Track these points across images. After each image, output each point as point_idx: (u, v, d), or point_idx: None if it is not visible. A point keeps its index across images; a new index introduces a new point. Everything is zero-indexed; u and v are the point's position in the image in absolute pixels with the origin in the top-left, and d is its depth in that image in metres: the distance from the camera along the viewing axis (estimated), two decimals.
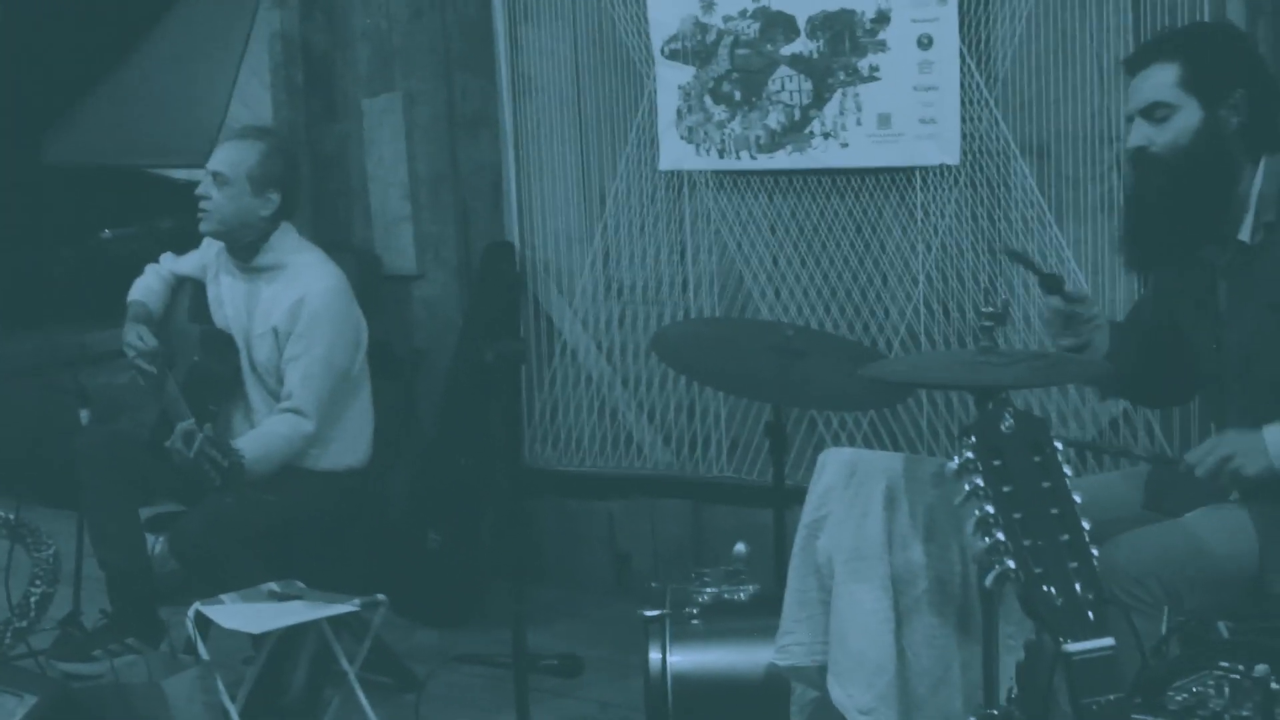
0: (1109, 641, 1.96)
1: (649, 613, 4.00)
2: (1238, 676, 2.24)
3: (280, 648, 4.65)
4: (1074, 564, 1.96)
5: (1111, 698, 1.91)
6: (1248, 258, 3.53)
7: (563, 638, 5.24)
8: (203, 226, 4.81)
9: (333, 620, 4.53)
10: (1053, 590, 1.95)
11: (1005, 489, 1.97)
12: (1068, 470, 2.02)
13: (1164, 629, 2.86)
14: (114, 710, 4.10)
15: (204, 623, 4.38)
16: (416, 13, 5.79)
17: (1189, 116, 3.48)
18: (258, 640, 4.47)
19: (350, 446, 4.87)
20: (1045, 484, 1.99)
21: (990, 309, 3.32)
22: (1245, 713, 2.23)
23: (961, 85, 4.83)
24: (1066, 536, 1.97)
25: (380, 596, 4.42)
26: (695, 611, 3.98)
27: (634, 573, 5.68)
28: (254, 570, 4.52)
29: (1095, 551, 1.97)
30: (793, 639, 3.62)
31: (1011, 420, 2.01)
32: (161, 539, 5.16)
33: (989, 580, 1.98)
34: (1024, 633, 3.45)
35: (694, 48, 5.22)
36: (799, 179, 5.15)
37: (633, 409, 5.56)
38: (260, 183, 4.79)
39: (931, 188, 4.95)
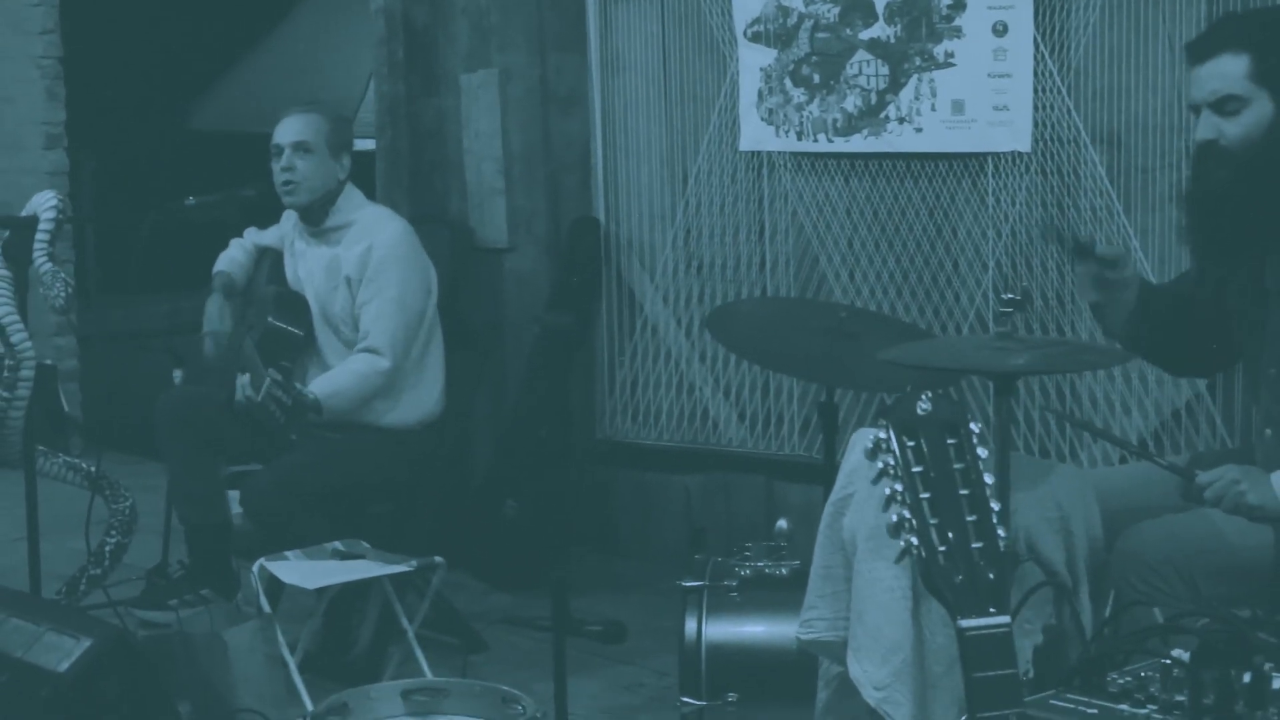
0: (1005, 620, 2.01)
1: (688, 583, 4.10)
2: (1168, 661, 2.29)
3: (347, 605, 4.82)
4: (978, 544, 2.02)
5: (1004, 673, 1.97)
6: None
7: (633, 609, 5.33)
8: (292, 199, 4.98)
9: (401, 581, 4.69)
10: (953, 568, 2.01)
11: (916, 469, 2.04)
12: (983, 453, 2.07)
13: (1107, 612, 2.89)
14: (176, 658, 4.27)
15: (277, 579, 4.55)
16: None
17: (1261, 110, 3.42)
18: (320, 596, 4.63)
19: (422, 399, 5.01)
20: (958, 466, 2.05)
21: (1010, 295, 3.36)
22: (1180, 697, 2.27)
23: (1035, 73, 4.85)
24: (974, 517, 2.03)
25: (438, 558, 4.54)
26: (734, 584, 4.07)
27: (709, 548, 5.75)
28: (322, 529, 4.67)
29: (1002, 533, 2.03)
30: (816, 614, 3.67)
31: (929, 403, 2.07)
32: None
33: (895, 557, 2.05)
34: (1042, 617, 3.49)
35: (776, 30, 5.29)
36: (874, 162, 5.20)
37: (709, 385, 5.65)
38: (336, 147, 4.99)
39: (1003, 174, 4.97)
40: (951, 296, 5.12)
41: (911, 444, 2.05)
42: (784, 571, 4.12)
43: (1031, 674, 3.40)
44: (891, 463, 2.05)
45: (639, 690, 4.84)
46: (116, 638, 3.91)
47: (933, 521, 2.02)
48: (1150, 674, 2.36)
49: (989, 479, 2.05)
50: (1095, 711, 2.25)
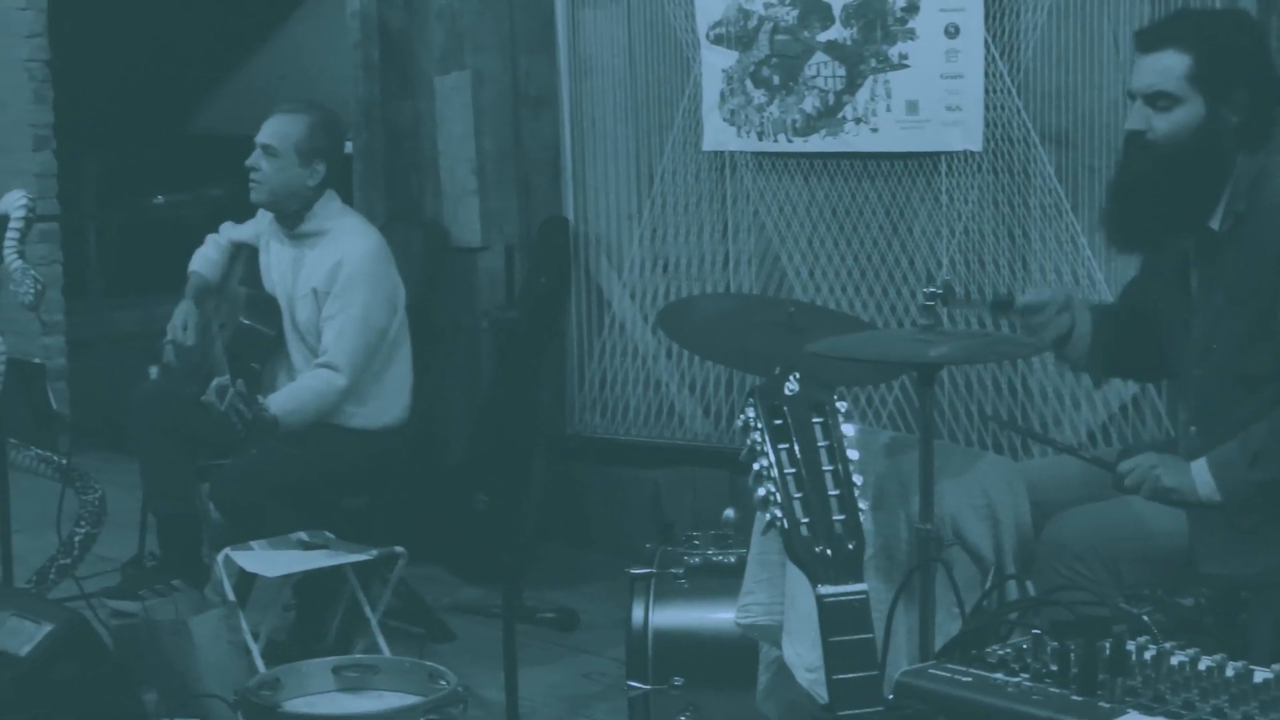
0: (862, 587, 2.12)
1: (636, 570, 4.20)
2: (1038, 633, 2.39)
3: (318, 597, 4.94)
4: (840, 517, 2.13)
5: (860, 638, 2.08)
6: (1216, 246, 3.59)
7: (599, 600, 5.43)
8: (253, 197, 5.09)
9: (368, 572, 4.81)
10: (815, 539, 2.12)
11: (782, 445, 2.15)
12: (848, 430, 2.18)
13: (986, 586, 2.99)
14: (142, 645, 4.38)
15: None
16: None
17: (1191, 111, 3.49)
18: (285, 585, 4.75)
19: (387, 406, 5.11)
20: (823, 443, 2.16)
21: (932, 289, 3.47)
22: (1054, 667, 2.37)
23: (986, 74, 4.97)
24: (837, 492, 2.14)
25: (399, 548, 4.66)
26: (682, 572, 4.17)
27: (676, 541, 5.85)
28: (289, 521, 4.78)
29: (864, 506, 2.14)
30: (753, 599, 3.78)
31: (796, 384, 2.18)
32: None
33: (760, 528, 2.16)
34: (971, 601, 3.59)
35: (737, 33, 5.40)
36: (832, 162, 5.31)
37: (675, 380, 5.76)
38: (307, 154, 5.05)
39: (956, 173, 5.08)
40: (908, 293, 5.23)
41: (778, 422, 2.16)
42: (731, 559, 4.22)
43: None
44: (759, 440, 2.16)
45: (599, 679, 4.94)
46: (78, 623, 4.02)
47: (797, 495, 2.13)
48: (1027, 645, 2.46)
49: (853, 455, 2.16)
50: (970, 680, 2.35)
